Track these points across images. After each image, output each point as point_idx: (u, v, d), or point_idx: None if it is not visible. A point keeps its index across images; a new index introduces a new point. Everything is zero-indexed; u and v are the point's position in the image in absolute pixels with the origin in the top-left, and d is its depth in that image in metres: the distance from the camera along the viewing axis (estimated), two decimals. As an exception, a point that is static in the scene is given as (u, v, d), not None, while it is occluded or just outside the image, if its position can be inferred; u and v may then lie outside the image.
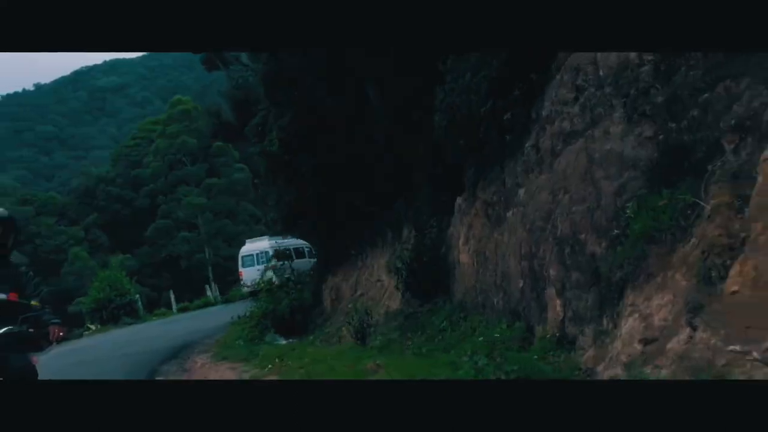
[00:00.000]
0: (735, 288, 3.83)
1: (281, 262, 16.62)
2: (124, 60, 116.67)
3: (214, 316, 16.62)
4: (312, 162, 11.65)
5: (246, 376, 7.38)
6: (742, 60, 4.36)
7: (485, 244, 7.79)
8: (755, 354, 3.50)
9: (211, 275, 43.62)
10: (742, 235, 3.93)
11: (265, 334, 13.05)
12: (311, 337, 11.67)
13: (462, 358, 5.58)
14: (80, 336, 26.99)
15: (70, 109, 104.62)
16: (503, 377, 4.41)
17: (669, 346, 4.14)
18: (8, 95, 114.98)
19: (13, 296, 3.18)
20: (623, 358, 4.46)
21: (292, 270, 16.69)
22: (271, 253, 18.92)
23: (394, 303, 10.07)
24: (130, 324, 26.53)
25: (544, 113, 6.61)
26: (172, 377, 8.95)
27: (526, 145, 6.92)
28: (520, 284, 6.42)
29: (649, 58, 4.93)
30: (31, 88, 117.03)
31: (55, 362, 10.70)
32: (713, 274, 3.98)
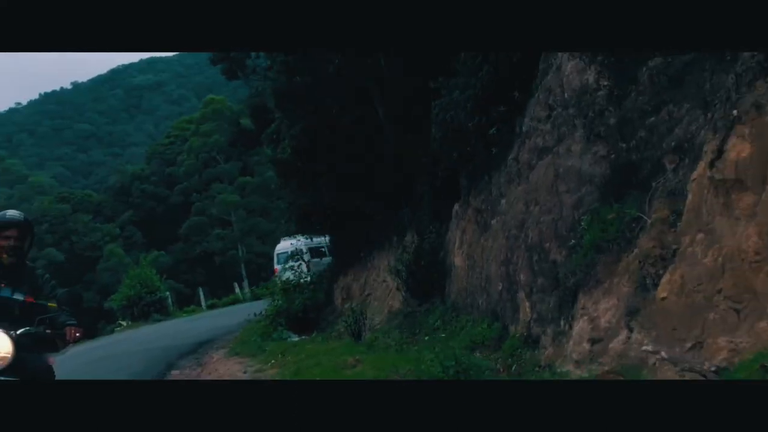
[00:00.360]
0: (664, 294, 4.25)
1: (298, 262, 17.21)
2: (160, 58, 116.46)
3: (240, 313, 17.14)
4: (322, 169, 12.20)
5: (250, 370, 7.94)
6: (684, 86, 4.76)
7: (474, 249, 8.23)
8: (663, 354, 3.92)
9: (244, 272, 43.70)
10: (674, 247, 4.34)
11: (280, 332, 13.60)
12: (321, 335, 12.21)
13: (430, 354, 6.02)
14: (111, 332, 27.58)
15: (107, 107, 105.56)
16: (442, 372, 4.86)
17: (611, 345, 4.56)
18: (47, 94, 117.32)
19: (30, 299, 3.21)
20: (574, 356, 4.88)
21: (308, 269, 17.24)
22: (304, 250, 19.37)
23: (396, 303, 10.54)
24: (159, 320, 26.91)
25: (524, 129, 7.02)
26: (187, 371, 9.55)
27: (509, 157, 7.35)
28: (499, 287, 6.85)
29: (605, 83, 5.33)
30: (69, 87, 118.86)
31: (80, 357, 11.42)
32: (648, 282, 4.39)
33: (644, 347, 4.20)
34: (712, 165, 4.06)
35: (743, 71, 4.09)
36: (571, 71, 5.79)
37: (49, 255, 46.35)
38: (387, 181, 11.72)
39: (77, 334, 3.19)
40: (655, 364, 4.09)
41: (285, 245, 26.75)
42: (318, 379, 5.58)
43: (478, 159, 8.22)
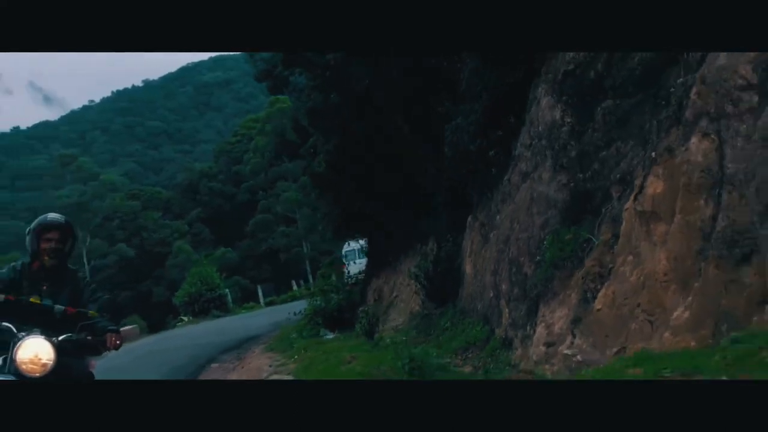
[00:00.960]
0: (600, 307, 4.91)
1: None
2: (229, 56, 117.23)
3: (294, 310, 17.76)
4: (354, 183, 13.10)
5: (275, 364, 8.86)
6: (629, 126, 5.37)
7: (477, 258, 8.92)
8: (595, 357, 4.59)
9: (309, 269, 43.88)
10: (610, 266, 4.98)
11: (317, 330, 14.53)
12: (350, 333, 13.09)
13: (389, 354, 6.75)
14: (174, 327, 29.02)
15: (177, 105, 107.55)
16: (401, 368, 5.61)
17: (560, 349, 5.24)
18: (119, 91, 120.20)
19: (72, 308, 3.19)
20: (534, 357, 5.57)
21: (348, 271, 18.19)
22: (357, 252, 20.10)
23: (416, 305, 11.31)
24: (218, 317, 27.80)
25: (516, 153, 7.69)
26: (226, 364, 10.56)
27: (504, 178, 8.02)
28: (490, 294, 7.54)
29: (569, 120, 5.98)
30: (141, 85, 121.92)
31: (134, 351, 12.52)
32: (588, 296, 5.05)
33: (581, 351, 4.88)
34: (636, 198, 4.70)
35: (664, 118, 4.71)
36: (545, 106, 6.45)
37: (119, 251, 47.46)
38: (411, 193, 12.50)
39: (117, 341, 3.17)
40: (587, 367, 4.76)
41: (352, 245, 27.78)
42: (320, 371, 6.44)
43: (481, 177, 8.90)
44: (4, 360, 2.92)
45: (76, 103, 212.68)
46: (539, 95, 6.84)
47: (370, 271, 16.05)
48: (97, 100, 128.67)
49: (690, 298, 4.13)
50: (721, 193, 4.08)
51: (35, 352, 2.90)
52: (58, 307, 3.15)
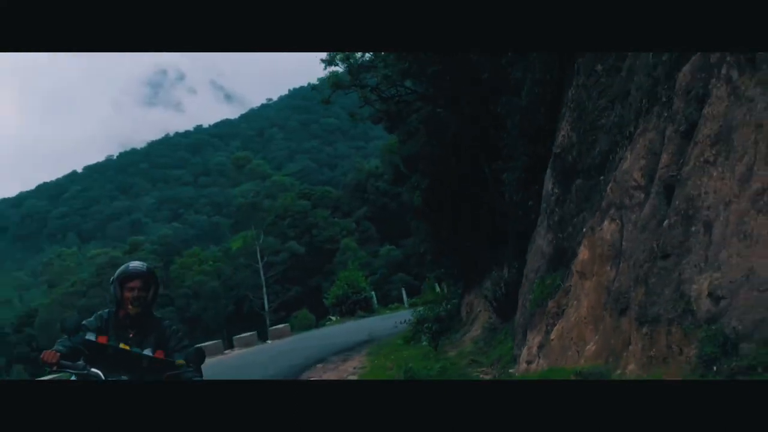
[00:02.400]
0: (553, 337, 6.38)
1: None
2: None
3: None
4: (445, 215, 14.92)
5: (358, 365, 10.87)
6: (591, 200, 6.71)
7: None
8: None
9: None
10: (564, 308, 6.42)
11: (418, 337, 16.32)
12: (441, 341, 14.83)
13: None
14: (322, 325, 30.90)
15: (350, 102, 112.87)
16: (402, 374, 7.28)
17: (532, 366, 6.74)
18: (295, 89, 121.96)
19: (160, 354, 3.03)
20: (522, 369, 7.09)
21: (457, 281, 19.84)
22: None
23: (488, 320, 12.84)
24: (362, 317, 28.73)
25: (541, 208, 9.10)
26: (329, 365, 12.28)
27: (538, 225, 9.44)
28: (519, 316, 9.01)
29: (556, 190, 7.39)
30: (316, 82, 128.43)
31: (269, 351, 14.61)
32: (549, 329, 6.52)
33: (543, 368, 6.40)
34: (575, 261, 6.14)
35: (596, 202, 6.09)
36: (547, 177, 7.89)
37: (291, 248, 47.30)
38: (489, 225, 14.03)
39: None
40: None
41: None
42: (371, 375, 8.34)
43: (524, 222, 10.34)
44: None
45: (256, 101, 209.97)
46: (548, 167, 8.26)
47: (464, 287, 17.67)
48: (275, 98, 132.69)
49: (596, 336, 5.54)
50: (619, 262, 5.45)
51: None
52: (147, 353, 2.99)
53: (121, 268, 3.29)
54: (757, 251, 4.14)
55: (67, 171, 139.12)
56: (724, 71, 4.84)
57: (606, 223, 5.67)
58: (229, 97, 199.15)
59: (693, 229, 4.71)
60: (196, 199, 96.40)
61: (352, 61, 13.06)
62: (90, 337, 2.88)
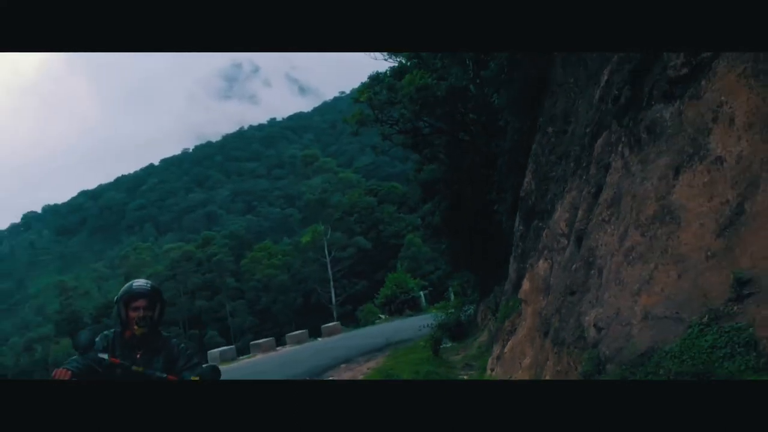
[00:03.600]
0: (507, 350, 7.49)
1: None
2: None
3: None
4: (463, 236, 16.04)
5: (373, 365, 12.10)
6: (539, 240, 7.76)
7: (513, 303, 11.36)
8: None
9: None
10: (516, 327, 7.52)
11: (442, 339, 17.35)
12: (460, 344, 15.88)
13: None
14: (372, 323, 31.17)
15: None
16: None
17: (493, 372, 7.85)
18: (361, 84, 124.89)
19: (172, 378, 2.82)
20: (487, 375, 8.21)
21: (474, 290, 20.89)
22: None
23: (492, 328, 13.87)
24: (410, 316, 29.04)
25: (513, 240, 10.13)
26: (352, 365, 13.28)
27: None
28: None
29: (521, 227, 8.45)
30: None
31: (311, 348, 15.79)
32: (504, 344, 7.63)
33: (499, 376, 7.54)
34: (521, 290, 7.25)
35: (534, 241, 7.16)
36: (518, 214, 8.95)
37: (357, 243, 47.14)
38: (498, 244, 15.04)
39: None
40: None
41: None
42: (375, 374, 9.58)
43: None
44: None
45: (329, 93, 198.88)
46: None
47: (480, 296, 18.65)
48: (348, 90, 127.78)
49: (531, 352, 6.64)
50: (548, 294, 6.54)
51: None
52: (160, 375, 2.83)
53: (125, 287, 3.09)
54: (624, 295, 5.18)
55: (144, 164, 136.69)
56: (620, 148, 5.87)
57: (541, 261, 6.75)
58: (303, 90, 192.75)
59: (591, 272, 5.76)
60: (269, 192, 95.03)
61: (374, 99, 14.37)
62: (103, 356, 2.74)
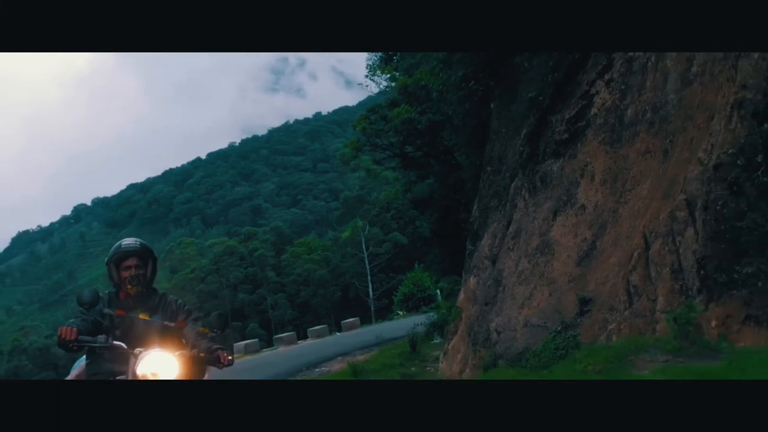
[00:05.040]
0: (449, 348, 8.77)
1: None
2: None
3: None
4: (450, 243, 17.29)
5: (361, 359, 13.40)
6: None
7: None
8: (431, 369, 8.53)
9: None
10: (457, 329, 8.80)
11: (432, 334, 18.49)
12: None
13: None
14: (390, 319, 31.47)
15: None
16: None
17: (442, 365, 9.13)
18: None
19: (181, 323, 2.62)
20: (437, 368, 9.48)
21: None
22: None
23: (468, 329, 15.08)
24: (425, 312, 30.32)
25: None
26: (349, 357, 14.95)
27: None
28: (461, 332, 11.32)
29: (470, 246, 9.71)
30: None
31: (320, 344, 17.09)
32: (449, 342, 8.91)
33: (443, 369, 8.83)
34: (459, 299, 8.52)
35: (471, 260, 8.43)
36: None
37: (394, 238, 46.09)
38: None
39: (229, 357, 2.55)
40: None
41: None
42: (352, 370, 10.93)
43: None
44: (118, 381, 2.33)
45: (374, 87, 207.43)
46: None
47: (469, 299, 19.86)
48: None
49: (463, 350, 7.93)
50: (474, 304, 7.81)
51: (156, 366, 2.31)
52: (169, 323, 2.62)
53: (113, 247, 2.80)
54: (514, 308, 6.44)
55: (191, 158, 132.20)
56: (523, 192, 7.12)
57: (472, 277, 8.02)
58: (348, 83, 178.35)
59: (499, 289, 7.02)
60: (314, 185, 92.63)
61: (368, 128, 15.74)
62: (108, 310, 2.57)
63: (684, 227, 4.50)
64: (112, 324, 2.56)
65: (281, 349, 22.89)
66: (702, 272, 4.11)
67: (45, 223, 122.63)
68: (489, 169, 8.89)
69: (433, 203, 17.68)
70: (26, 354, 39.59)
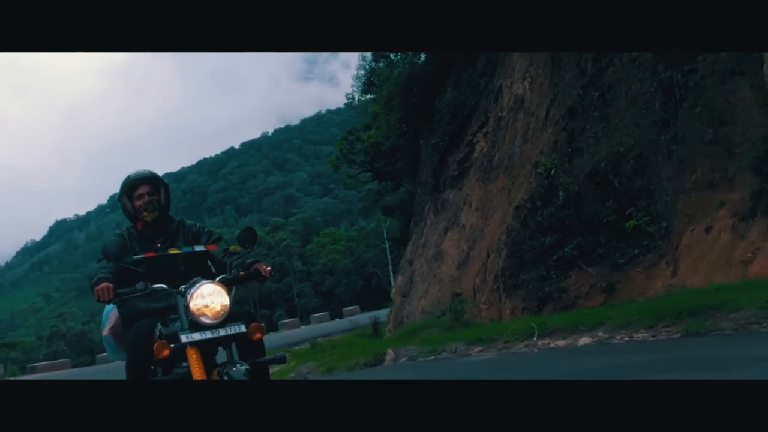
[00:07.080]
0: (389, 328, 10.52)
1: None
2: None
3: None
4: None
5: (335, 339, 15.09)
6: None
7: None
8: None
9: None
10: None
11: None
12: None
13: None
14: (388, 307, 34.34)
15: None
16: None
17: (384, 344, 10.87)
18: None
19: (212, 246, 2.35)
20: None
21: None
22: None
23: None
24: None
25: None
26: (334, 337, 16.90)
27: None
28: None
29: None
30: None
31: (325, 325, 18.56)
32: (389, 325, 10.65)
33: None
34: (395, 285, 10.24)
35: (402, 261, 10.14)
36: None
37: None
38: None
39: (268, 268, 2.24)
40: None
41: None
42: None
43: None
44: (172, 319, 2.06)
45: None
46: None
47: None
48: None
49: (391, 333, 9.66)
50: (400, 297, 9.52)
51: (207, 298, 2.01)
52: (199, 248, 2.33)
53: (123, 180, 2.46)
54: (416, 300, 8.15)
55: (225, 147, 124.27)
56: (431, 212, 8.81)
57: (399, 276, 9.74)
58: None
59: (411, 285, 8.73)
60: (345, 175, 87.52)
61: (344, 148, 17.49)
62: (138, 256, 2.25)
63: (503, 247, 6.20)
64: (148, 266, 2.26)
65: (285, 332, 24.16)
66: (503, 278, 5.79)
67: (82, 212, 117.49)
68: (419, 191, 10.59)
69: (401, 210, 19.34)
70: (64, 339, 40.93)
